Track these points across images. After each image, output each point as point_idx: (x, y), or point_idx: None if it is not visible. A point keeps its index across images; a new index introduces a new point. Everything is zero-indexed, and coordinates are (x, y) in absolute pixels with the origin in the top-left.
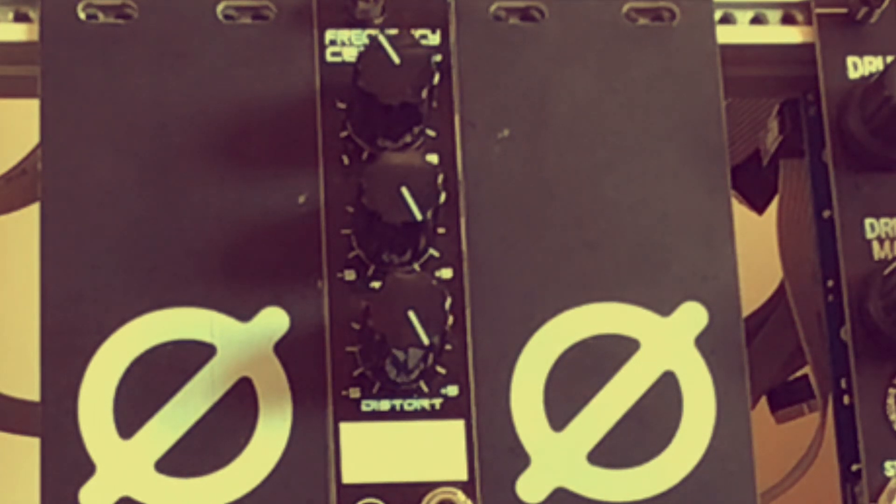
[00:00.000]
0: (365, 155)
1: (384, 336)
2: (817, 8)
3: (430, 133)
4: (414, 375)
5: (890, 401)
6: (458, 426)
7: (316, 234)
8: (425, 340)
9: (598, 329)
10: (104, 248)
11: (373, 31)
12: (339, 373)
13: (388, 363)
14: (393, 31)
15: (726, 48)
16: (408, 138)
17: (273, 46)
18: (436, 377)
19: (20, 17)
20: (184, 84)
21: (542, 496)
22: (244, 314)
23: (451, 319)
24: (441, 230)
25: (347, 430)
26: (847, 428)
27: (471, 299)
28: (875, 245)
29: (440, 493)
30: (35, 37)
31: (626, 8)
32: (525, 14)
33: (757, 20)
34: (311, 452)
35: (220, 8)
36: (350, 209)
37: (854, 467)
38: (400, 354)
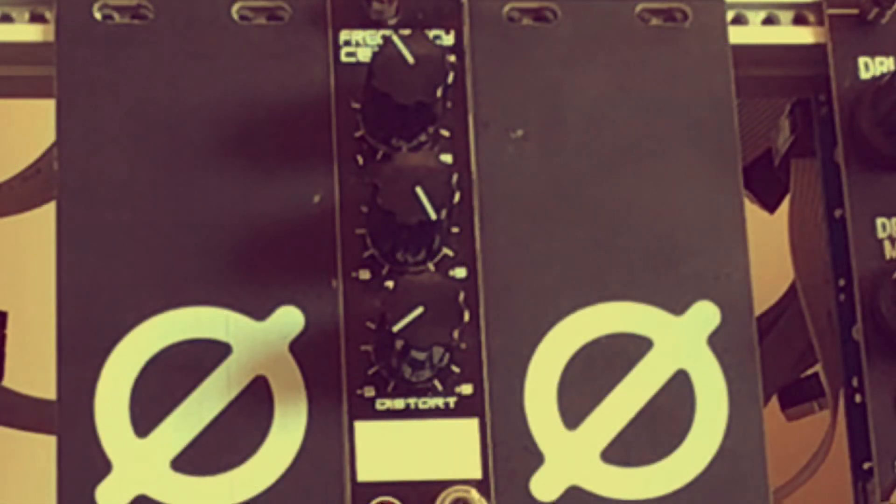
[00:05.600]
0: (379, 155)
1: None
2: (829, 9)
3: (445, 133)
4: (428, 374)
5: None
6: (472, 424)
7: (331, 233)
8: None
9: (611, 328)
10: (120, 247)
11: (387, 32)
12: (353, 371)
13: (405, 363)
14: (407, 32)
15: (738, 48)
16: (422, 138)
17: (288, 47)
18: (450, 376)
19: (36, 18)
20: (199, 84)
21: (556, 494)
22: (259, 313)
23: (465, 317)
24: (455, 230)
25: (362, 428)
26: (859, 426)
27: (485, 298)
28: (886, 244)
29: (454, 492)
30: (51, 37)
31: (638, 9)
32: (538, 15)
33: (769, 21)
34: (326, 451)
35: (235, 8)
36: (365, 209)
37: (866, 465)
38: (418, 355)
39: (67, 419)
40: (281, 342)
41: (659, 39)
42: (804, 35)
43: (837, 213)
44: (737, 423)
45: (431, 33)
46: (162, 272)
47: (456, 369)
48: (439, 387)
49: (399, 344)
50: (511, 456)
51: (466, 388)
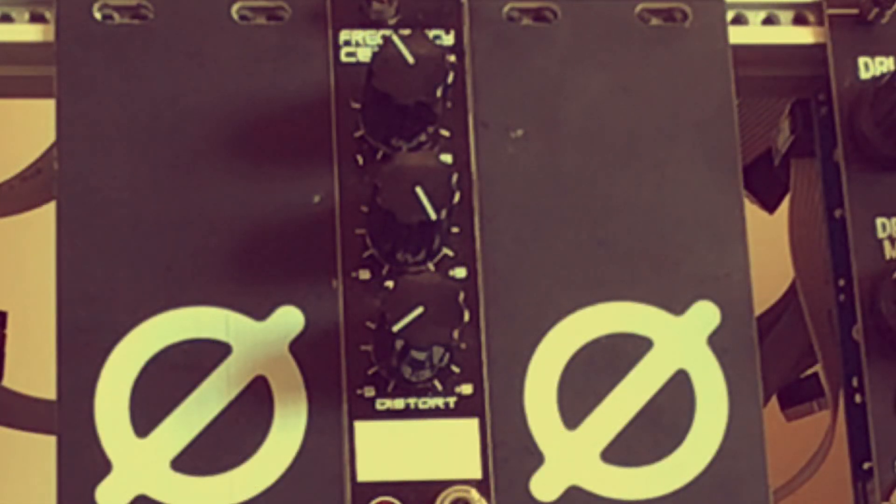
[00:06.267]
0: (379, 155)
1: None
2: (829, 9)
3: (444, 133)
4: (428, 374)
5: None
6: (472, 424)
7: (331, 233)
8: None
9: (611, 328)
10: (120, 247)
11: (387, 32)
12: (353, 371)
13: (405, 363)
14: (407, 32)
15: (738, 48)
16: (422, 138)
17: (288, 47)
18: (450, 376)
19: (36, 18)
20: (199, 84)
21: (556, 494)
22: (259, 313)
23: (465, 317)
24: (455, 230)
25: (362, 428)
26: (859, 426)
27: (485, 298)
28: (886, 244)
29: (454, 492)
30: (51, 37)
31: (638, 8)
32: (538, 15)
33: (769, 21)
34: (326, 451)
35: (235, 8)
36: (365, 209)
37: (865, 465)
38: (418, 355)
39: (67, 419)
40: (281, 342)
41: (659, 39)
42: (804, 35)
43: (837, 213)
44: (737, 423)
45: (431, 33)
46: (162, 272)
47: (456, 369)
48: (439, 387)
49: (399, 344)
50: (511, 456)
51: (466, 388)
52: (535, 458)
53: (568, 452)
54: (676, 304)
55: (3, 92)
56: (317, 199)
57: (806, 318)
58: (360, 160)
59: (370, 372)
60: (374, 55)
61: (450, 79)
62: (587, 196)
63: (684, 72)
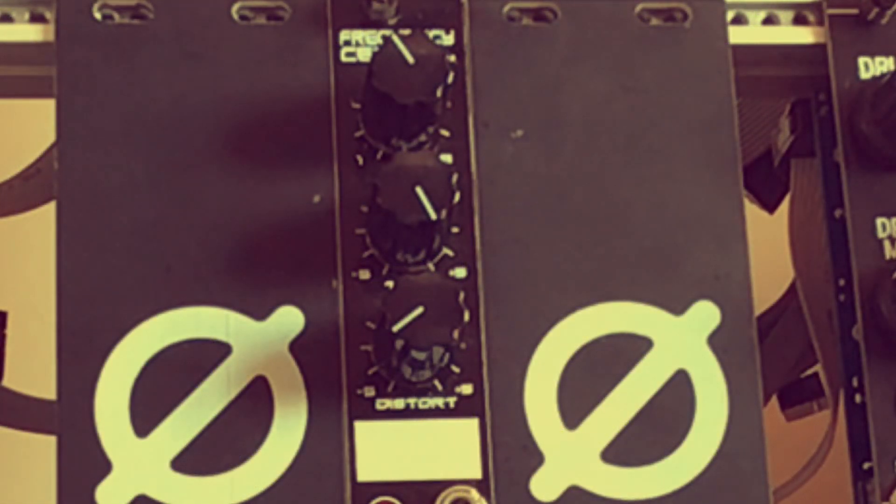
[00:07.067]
0: (379, 155)
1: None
2: (829, 9)
3: (444, 133)
4: (428, 374)
5: None
6: (472, 424)
7: (331, 233)
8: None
9: (611, 328)
10: (120, 247)
11: (387, 32)
12: (353, 371)
13: (405, 363)
14: (407, 32)
15: (738, 48)
16: (422, 138)
17: (288, 47)
18: (450, 376)
19: (36, 18)
20: (199, 84)
21: (556, 494)
22: (259, 313)
23: (465, 317)
24: (455, 229)
25: (362, 428)
26: (859, 426)
27: (485, 298)
28: (886, 244)
29: (454, 492)
30: (51, 37)
31: (638, 8)
32: (538, 14)
33: (769, 21)
34: (326, 451)
35: (235, 8)
36: (365, 209)
37: (866, 465)
38: (418, 355)
39: (67, 419)
40: (281, 342)
41: (659, 39)
42: (804, 35)
43: (837, 213)
44: (737, 423)
45: (431, 33)
46: (162, 272)
47: (456, 369)
48: (439, 387)
49: (399, 344)
50: (511, 456)
51: (466, 388)
52: (535, 458)
53: (568, 452)
54: (676, 304)
55: (3, 92)
56: (317, 199)
57: (806, 318)
58: (360, 160)
59: (370, 372)
60: (374, 55)
61: (450, 79)
62: (587, 196)
63: (684, 72)
